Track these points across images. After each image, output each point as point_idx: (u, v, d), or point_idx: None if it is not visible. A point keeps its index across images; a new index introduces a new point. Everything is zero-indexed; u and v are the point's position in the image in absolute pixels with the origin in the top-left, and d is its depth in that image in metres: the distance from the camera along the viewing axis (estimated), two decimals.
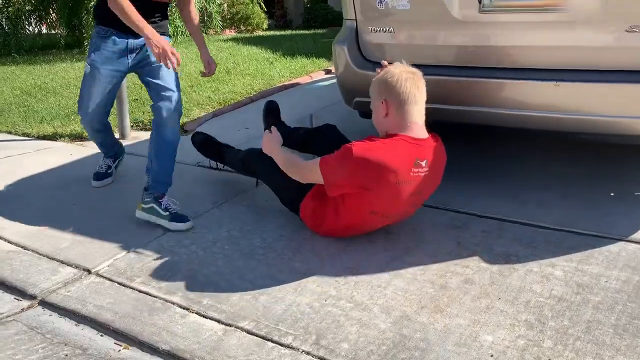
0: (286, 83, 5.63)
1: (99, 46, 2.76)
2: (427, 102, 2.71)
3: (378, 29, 2.89)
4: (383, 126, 2.29)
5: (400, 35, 2.83)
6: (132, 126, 4.51)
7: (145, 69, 2.80)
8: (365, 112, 2.71)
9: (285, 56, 6.94)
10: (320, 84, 5.72)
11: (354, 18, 2.98)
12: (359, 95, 2.94)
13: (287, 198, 2.61)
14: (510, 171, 3.17)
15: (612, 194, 2.75)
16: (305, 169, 2.33)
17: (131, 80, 5.75)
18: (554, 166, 3.20)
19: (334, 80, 6.20)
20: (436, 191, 2.41)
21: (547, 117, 2.50)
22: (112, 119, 4.78)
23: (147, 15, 2.63)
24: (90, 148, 3.99)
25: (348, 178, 2.18)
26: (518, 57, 2.57)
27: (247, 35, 11.03)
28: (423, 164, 2.17)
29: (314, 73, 6.08)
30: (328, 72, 6.19)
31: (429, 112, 2.67)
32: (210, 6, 8.90)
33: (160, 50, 2.45)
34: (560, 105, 2.46)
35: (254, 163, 2.77)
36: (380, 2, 2.83)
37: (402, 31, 2.83)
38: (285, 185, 2.52)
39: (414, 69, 2.28)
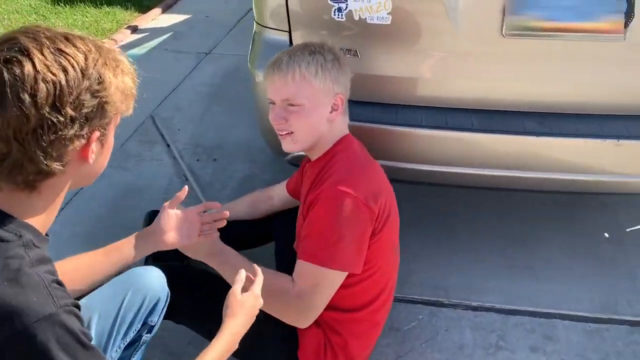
0: None
1: None
2: (418, 162, 1.96)
3: None
4: (322, 130, 1.50)
5: (372, 62, 1.84)
6: None
7: None
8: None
9: (60, 2, 5.03)
10: (134, 52, 4.25)
11: (287, 30, 1.87)
12: None
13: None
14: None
15: None
16: (301, 282, 1.40)
17: None
18: None
19: (151, 44, 4.71)
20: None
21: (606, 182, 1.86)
22: None
23: None
24: None
25: (366, 226, 1.41)
26: (557, 101, 1.83)
27: None
28: None
29: (116, 34, 4.49)
30: (134, 29, 4.67)
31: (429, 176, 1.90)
32: None
33: None
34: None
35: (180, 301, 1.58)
36: (340, 10, 1.77)
37: (376, 57, 1.84)
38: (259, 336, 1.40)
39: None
